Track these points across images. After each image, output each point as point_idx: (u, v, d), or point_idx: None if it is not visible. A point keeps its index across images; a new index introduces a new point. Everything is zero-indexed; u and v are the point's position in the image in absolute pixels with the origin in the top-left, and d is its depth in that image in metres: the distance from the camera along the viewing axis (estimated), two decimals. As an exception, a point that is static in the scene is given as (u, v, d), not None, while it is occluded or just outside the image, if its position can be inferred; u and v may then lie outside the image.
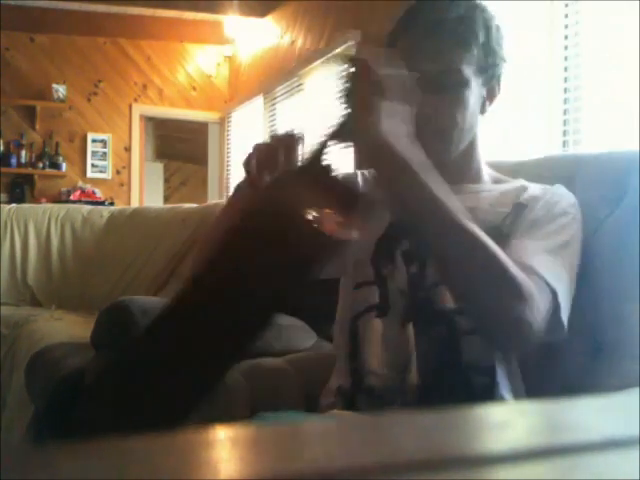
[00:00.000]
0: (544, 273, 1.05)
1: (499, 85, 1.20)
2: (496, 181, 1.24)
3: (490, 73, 1.16)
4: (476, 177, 1.22)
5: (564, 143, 2.68)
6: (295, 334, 1.90)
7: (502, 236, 1.11)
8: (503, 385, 1.11)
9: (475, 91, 1.14)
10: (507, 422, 0.35)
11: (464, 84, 1.12)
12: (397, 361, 1.13)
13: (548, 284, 1.04)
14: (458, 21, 1.12)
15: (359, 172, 1.32)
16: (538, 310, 1.01)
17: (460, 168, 1.19)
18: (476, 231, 1.00)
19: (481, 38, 1.13)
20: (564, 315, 1.06)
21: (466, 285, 1.02)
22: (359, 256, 1.22)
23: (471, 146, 1.19)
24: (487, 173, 1.24)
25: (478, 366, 1.10)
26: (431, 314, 1.14)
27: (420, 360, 1.11)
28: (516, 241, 1.11)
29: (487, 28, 1.15)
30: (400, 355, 1.13)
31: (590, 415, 0.39)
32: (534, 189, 1.20)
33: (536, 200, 1.17)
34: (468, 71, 1.12)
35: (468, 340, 1.11)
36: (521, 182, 1.23)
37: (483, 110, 1.18)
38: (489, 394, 1.09)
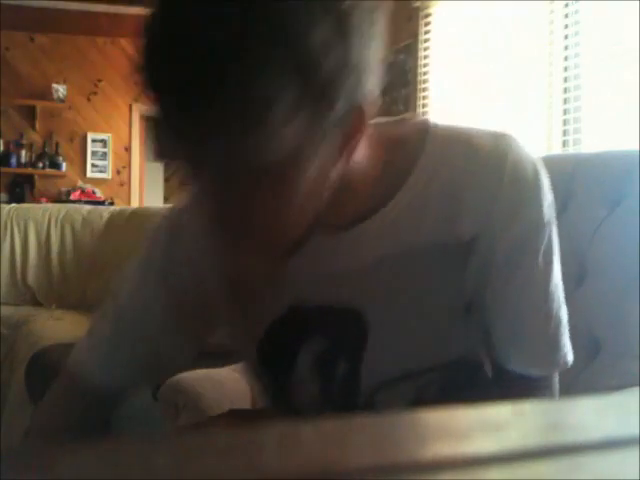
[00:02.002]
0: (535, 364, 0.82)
1: (363, 107, 0.66)
2: (395, 175, 0.78)
3: (339, 108, 0.64)
4: (376, 203, 0.78)
5: (564, 143, 2.69)
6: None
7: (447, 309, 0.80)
8: None
9: (311, 151, 0.65)
10: (507, 422, 0.35)
11: (282, 162, 0.63)
12: None
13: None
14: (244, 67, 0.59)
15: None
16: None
17: (345, 213, 0.78)
18: None
19: (294, 80, 0.60)
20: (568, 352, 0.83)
21: None
22: (248, 366, 0.92)
23: (347, 189, 0.73)
24: (382, 178, 0.78)
25: None
26: None
27: None
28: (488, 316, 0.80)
29: (298, 50, 0.59)
30: None
31: (590, 415, 0.38)
32: (459, 178, 0.76)
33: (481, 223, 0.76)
34: (289, 138, 0.62)
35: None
36: (428, 169, 0.77)
37: (348, 152, 0.69)
38: None
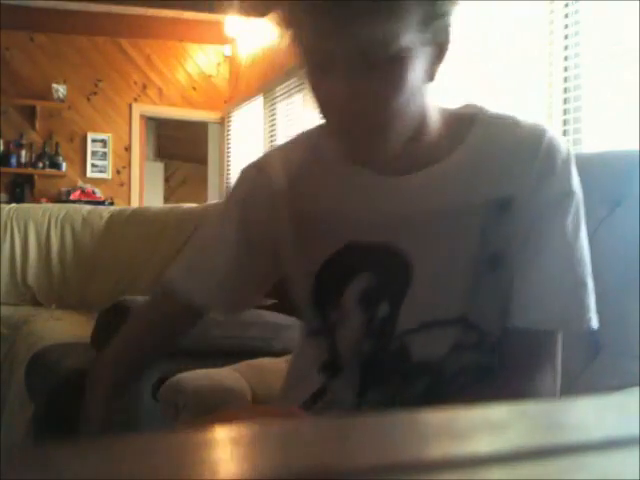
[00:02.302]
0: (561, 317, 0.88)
1: (448, 37, 0.83)
2: (453, 137, 0.92)
3: (437, 26, 0.80)
4: (432, 156, 0.91)
5: (564, 143, 2.68)
6: (295, 334, 1.89)
7: (491, 254, 0.89)
8: None
9: (417, 57, 0.80)
10: (507, 422, 0.35)
11: (401, 56, 0.78)
12: None
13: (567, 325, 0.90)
14: None
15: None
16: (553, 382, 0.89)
17: (410, 154, 0.88)
18: None
19: None
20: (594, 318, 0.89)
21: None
22: (297, 294, 0.99)
23: (421, 124, 0.88)
24: (442, 136, 0.92)
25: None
26: (408, 370, 0.91)
27: None
28: (517, 268, 0.88)
29: None
30: None
31: (590, 415, 0.39)
32: (503, 147, 0.90)
33: (520, 187, 0.87)
34: (408, 34, 0.77)
35: (459, 382, 0.91)
36: (479, 136, 0.91)
37: (432, 75, 0.84)
38: None
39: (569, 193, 0.88)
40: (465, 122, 0.92)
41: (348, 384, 0.93)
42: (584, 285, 0.87)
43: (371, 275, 0.91)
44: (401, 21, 0.77)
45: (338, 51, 0.78)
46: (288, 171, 0.96)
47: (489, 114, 0.93)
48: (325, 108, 0.84)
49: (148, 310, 1.10)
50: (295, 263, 0.98)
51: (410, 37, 0.77)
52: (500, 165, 0.88)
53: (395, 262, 0.90)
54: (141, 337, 1.07)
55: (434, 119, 0.90)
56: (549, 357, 0.89)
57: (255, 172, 1.00)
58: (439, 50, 0.83)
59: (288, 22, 0.84)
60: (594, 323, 0.88)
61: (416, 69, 0.81)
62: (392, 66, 0.79)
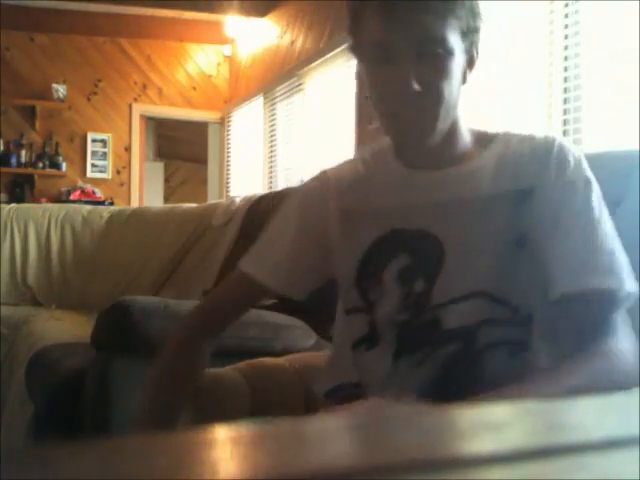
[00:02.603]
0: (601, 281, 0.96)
1: (477, 51, 1.04)
2: (478, 144, 1.10)
3: (471, 39, 1.01)
4: (462, 156, 1.08)
5: (564, 143, 2.68)
6: (295, 334, 1.90)
7: (517, 239, 1.01)
8: None
9: (458, 60, 1.00)
10: (507, 422, 0.35)
11: (450, 53, 0.98)
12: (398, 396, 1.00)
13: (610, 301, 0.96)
14: None
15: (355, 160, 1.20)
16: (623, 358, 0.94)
17: (445, 150, 1.06)
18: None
19: (464, 5, 1.00)
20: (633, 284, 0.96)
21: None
22: (343, 279, 1.13)
23: (455, 124, 1.06)
24: (470, 142, 1.10)
25: (502, 379, 0.94)
26: (439, 336, 1.02)
27: (422, 392, 1.00)
28: (541, 243, 1.00)
29: None
30: (399, 391, 1.01)
31: (590, 415, 0.39)
32: (522, 150, 1.05)
33: (538, 177, 1.02)
34: (454, 38, 0.98)
35: (491, 353, 1.01)
36: (501, 145, 1.08)
37: (464, 80, 1.04)
38: None
39: (588, 180, 1.00)
40: (489, 135, 1.10)
41: (385, 352, 1.05)
42: (614, 256, 0.97)
43: (409, 256, 1.05)
44: (452, 26, 0.97)
45: (401, 44, 0.96)
46: (341, 176, 1.15)
47: (509, 131, 1.10)
48: (382, 94, 1.01)
49: (225, 291, 1.27)
50: (344, 252, 1.12)
51: (456, 42, 0.98)
52: (519, 164, 1.03)
53: (430, 245, 1.04)
54: (216, 314, 1.23)
55: (464, 128, 1.08)
56: (600, 322, 0.96)
57: (312, 182, 1.20)
58: (470, 60, 1.03)
59: (354, 26, 1.02)
60: (628, 290, 0.95)
61: (458, 69, 1.00)
62: (443, 60, 0.98)
